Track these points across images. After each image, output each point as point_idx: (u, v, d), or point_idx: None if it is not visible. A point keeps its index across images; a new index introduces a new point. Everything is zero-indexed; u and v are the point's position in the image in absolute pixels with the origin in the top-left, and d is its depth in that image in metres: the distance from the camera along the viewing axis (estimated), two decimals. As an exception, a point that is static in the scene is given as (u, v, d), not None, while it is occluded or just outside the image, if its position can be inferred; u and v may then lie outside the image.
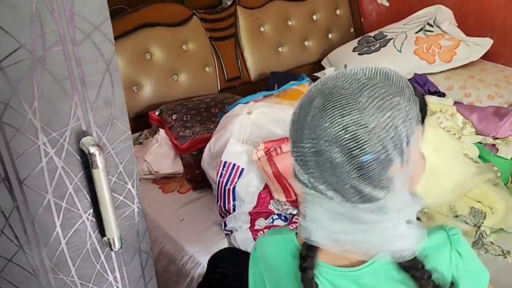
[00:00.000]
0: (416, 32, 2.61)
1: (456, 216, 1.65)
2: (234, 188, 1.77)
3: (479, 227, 1.63)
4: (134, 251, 0.96)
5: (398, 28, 2.71)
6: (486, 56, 2.54)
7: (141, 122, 2.32)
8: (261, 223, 1.74)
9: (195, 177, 2.02)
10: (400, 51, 2.57)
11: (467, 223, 1.63)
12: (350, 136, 0.72)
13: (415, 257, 0.81)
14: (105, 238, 0.89)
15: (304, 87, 2.21)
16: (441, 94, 2.24)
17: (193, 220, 1.85)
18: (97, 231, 0.89)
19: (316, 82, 0.81)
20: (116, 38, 0.76)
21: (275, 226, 1.72)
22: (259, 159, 1.74)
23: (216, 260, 1.50)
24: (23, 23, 0.66)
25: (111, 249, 0.89)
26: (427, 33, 2.59)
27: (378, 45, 2.65)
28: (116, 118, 0.81)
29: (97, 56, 0.74)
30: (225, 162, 1.79)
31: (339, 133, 0.73)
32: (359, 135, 0.72)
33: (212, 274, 1.49)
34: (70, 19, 0.69)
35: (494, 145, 1.86)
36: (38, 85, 0.70)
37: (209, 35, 2.55)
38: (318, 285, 0.86)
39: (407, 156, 0.76)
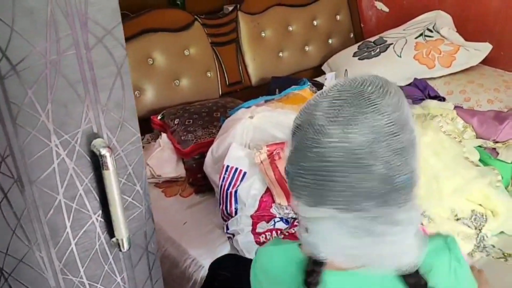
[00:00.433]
0: (416, 38, 2.64)
1: (457, 219, 1.66)
2: (236, 191, 1.78)
3: (480, 230, 1.64)
4: (141, 252, 0.97)
5: (398, 33, 2.73)
6: (486, 61, 2.56)
7: (143, 127, 2.31)
8: (262, 226, 1.75)
9: (197, 181, 2.03)
10: (400, 56, 2.59)
11: (468, 226, 1.64)
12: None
13: (419, 273, 0.80)
14: (114, 239, 0.90)
15: (305, 91, 2.22)
16: (441, 99, 2.26)
17: (196, 223, 1.86)
18: (106, 232, 0.90)
19: None
20: (118, 43, 0.78)
21: (276, 229, 1.73)
22: (261, 162, 1.75)
23: (218, 265, 1.51)
24: (38, 27, 0.68)
25: (120, 250, 0.90)
26: (427, 38, 2.62)
27: (378, 50, 2.67)
28: (126, 121, 0.82)
29: (109, 60, 0.76)
30: (228, 166, 1.80)
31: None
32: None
33: (214, 279, 1.49)
34: (83, 24, 0.70)
35: (494, 148, 1.88)
36: (51, 88, 0.72)
37: (211, 40, 2.57)
38: None
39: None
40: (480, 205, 1.69)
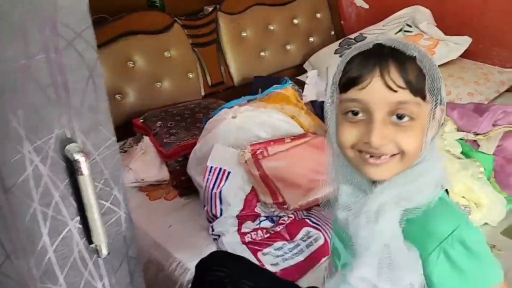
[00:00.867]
0: (396, 33, 2.65)
1: (441, 212, 1.66)
2: (220, 192, 1.78)
3: (464, 222, 1.65)
4: (122, 257, 0.96)
5: (378, 29, 2.74)
6: (465, 55, 2.58)
7: (126, 130, 2.31)
8: (248, 226, 1.74)
9: (181, 183, 2.02)
10: (381, 52, 2.60)
11: (452, 219, 1.65)
12: None
13: None
14: (92, 245, 0.88)
15: (287, 90, 2.22)
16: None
17: (181, 226, 1.85)
18: (84, 238, 0.88)
19: None
20: (98, 47, 0.76)
21: (262, 228, 1.72)
22: (246, 161, 1.75)
23: (206, 265, 1.49)
24: (6, 32, 0.66)
25: (99, 256, 0.88)
26: (406, 33, 2.63)
27: (359, 46, 2.68)
28: (100, 124, 0.81)
29: (80, 63, 0.74)
30: (211, 167, 1.79)
31: None
32: None
33: (202, 280, 1.47)
34: (52, 27, 0.69)
35: (475, 141, 1.89)
36: (21, 93, 0.70)
37: (191, 42, 2.56)
38: None
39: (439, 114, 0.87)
40: (464, 197, 1.70)
